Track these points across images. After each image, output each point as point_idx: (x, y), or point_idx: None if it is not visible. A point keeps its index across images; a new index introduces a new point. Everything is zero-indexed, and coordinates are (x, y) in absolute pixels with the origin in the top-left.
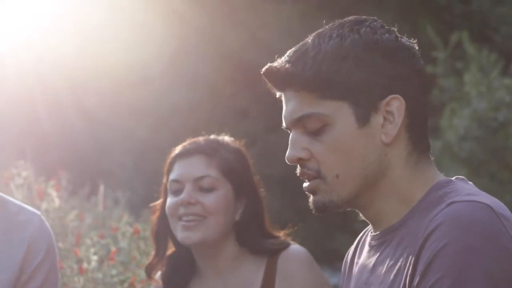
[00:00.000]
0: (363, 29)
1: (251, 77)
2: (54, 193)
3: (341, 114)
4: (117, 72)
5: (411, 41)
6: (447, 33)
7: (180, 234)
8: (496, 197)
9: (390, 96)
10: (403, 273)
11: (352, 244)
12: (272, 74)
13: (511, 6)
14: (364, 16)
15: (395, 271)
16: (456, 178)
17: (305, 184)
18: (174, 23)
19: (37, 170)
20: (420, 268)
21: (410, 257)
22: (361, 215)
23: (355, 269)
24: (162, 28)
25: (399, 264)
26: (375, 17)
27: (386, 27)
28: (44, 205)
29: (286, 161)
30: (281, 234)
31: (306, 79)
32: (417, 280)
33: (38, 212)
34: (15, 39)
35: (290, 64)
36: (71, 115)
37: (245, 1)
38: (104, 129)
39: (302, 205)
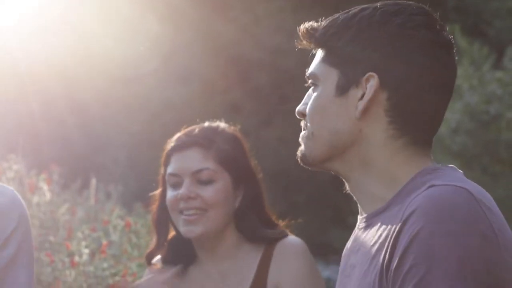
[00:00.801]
0: (385, 9)
1: (243, 72)
2: (45, 187)
3: (328, 79)
4: (110, 67)
5: (442, 39)
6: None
7: (182, 228)
8: (488, 190)
9: (369, 73)
10: (380, 254)
11: (345, 237)
12: (303, 26)
13: (504, 0)
14: (418, 4)
15: (373, 252)
16: (445, 166)
17: None
18: (167, 19)
19: (30, 164)
20: (398, 252)
21: (388, 239)
22: (346, 186)
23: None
24: (155, 23)
25: (377, 246)
26: (422, 5)
27: (418, 19)
28: (35, 199)
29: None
30: (280, 223)
31: (316, 37)
32: (395, 264)
33: (11, 188)
34: (8, 35)
35: (316, 23)
36: (64, 110)
37: None
38: (97, 124)
39: (294, 198)
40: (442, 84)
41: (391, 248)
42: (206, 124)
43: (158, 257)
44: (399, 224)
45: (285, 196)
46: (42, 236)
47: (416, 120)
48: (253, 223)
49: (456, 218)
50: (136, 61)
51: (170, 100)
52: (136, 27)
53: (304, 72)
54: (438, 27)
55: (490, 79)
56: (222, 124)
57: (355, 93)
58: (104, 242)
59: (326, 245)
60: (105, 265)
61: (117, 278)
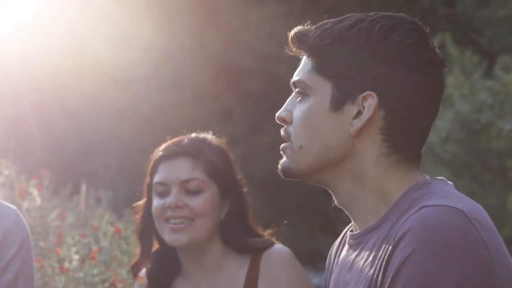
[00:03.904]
0: (383, 23)
1: (234, 78)
2: (35, 192)
3: (321, 91)
4: (101, 73)
5: (436, 57)
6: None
7: (167, 237)
8: (478, 199)
9: (367, 92)
10: (374, 273)
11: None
12: (293, 32)
13: (495, 8)
14: (411, 18)
15: (366, 272)
16: (435, 179)
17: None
18: (159, 25)
19: (21, 170)
20: (390, 273)
21: (381, 260)
22: (334, 199)
23: (335, 266)
24: (147, 29)
25: (370, 265)
26: (415, 21)
27: (414, 35)
28: (25, 204)
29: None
30: (265, 233)
31: (308, 45)
32: (386, 285)
33: (13, 207)
34: (1, 40)
35: (307, 29)
36: (55, 115)
37: (228, 3)
38: (87, 129)
39: (284, 205)
40: (433, 101)
41: (383, 269)
42: (194, 135)
43: (143, 270)
44: (392, 246)
45: (275, 203)
46: (32, 241)
47: (409, 138)
48: (238, 234)
49: (447, 240)
50: (128, 67)
51: (160, 106)
52: (128, 33)
53: None
54: (431, 44)
55: (481, 87)
56: (209, 136)
57: (350, 109)
58: (94, 248)
59: (316, 253)
60: (95, 271)
61: (107, 284)
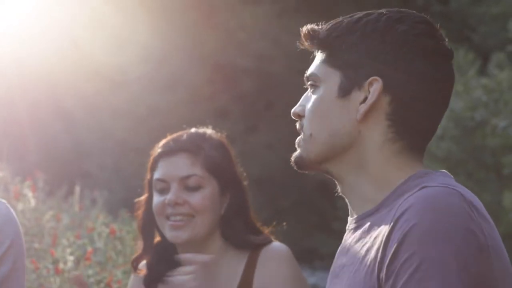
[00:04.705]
0: (390, 15)
1: (229, 77)
2: (30, 194)
3: (330, 81)
4: (96, 73)
5: (442, 48)
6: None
7: (168, 233)
8: None
9: (372, 77)
10: (371, 253)
11: (330, 243)
12: (305, 28)
13: (489, 5)
14: (419, 13)
15: (364, 252)
16: (436, 171)
17: None
18: (153, 25)
19: (15, 171)
20: (391, 249)
21: (380, 238)
22: (338, 188)
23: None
24: (142, 30)
25: (368, 245)
26: (423, 15)
27: (421, 27)
28: (20, 206)
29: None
30: (265, 230)
31: (318, 39)
32: (388, 260)
33: (3, 200)
34: None
35: (318, 25)
36: (50, 116)
37: (223, 3)
38: (82, 130)
39: (279, 204)
40: (439, 91)
41: (383, 246)
42: (193, 130)
43: (143, 262)
44: (391, 223)
45: (270, 202)
46: (27, 243)
47: (414, 125)
48: (238, 230)
49: (446, 215)
50: (123, 67)
51: (156, 106)
52: (123, 34)
53: (290, 77)
54: (439, 36)
55: (475, 85)
56: (209, 131)
57: (358, 96)
58: (89, 249)
59: (312, 251)
60: (90, 272)
61: (102, 285)
